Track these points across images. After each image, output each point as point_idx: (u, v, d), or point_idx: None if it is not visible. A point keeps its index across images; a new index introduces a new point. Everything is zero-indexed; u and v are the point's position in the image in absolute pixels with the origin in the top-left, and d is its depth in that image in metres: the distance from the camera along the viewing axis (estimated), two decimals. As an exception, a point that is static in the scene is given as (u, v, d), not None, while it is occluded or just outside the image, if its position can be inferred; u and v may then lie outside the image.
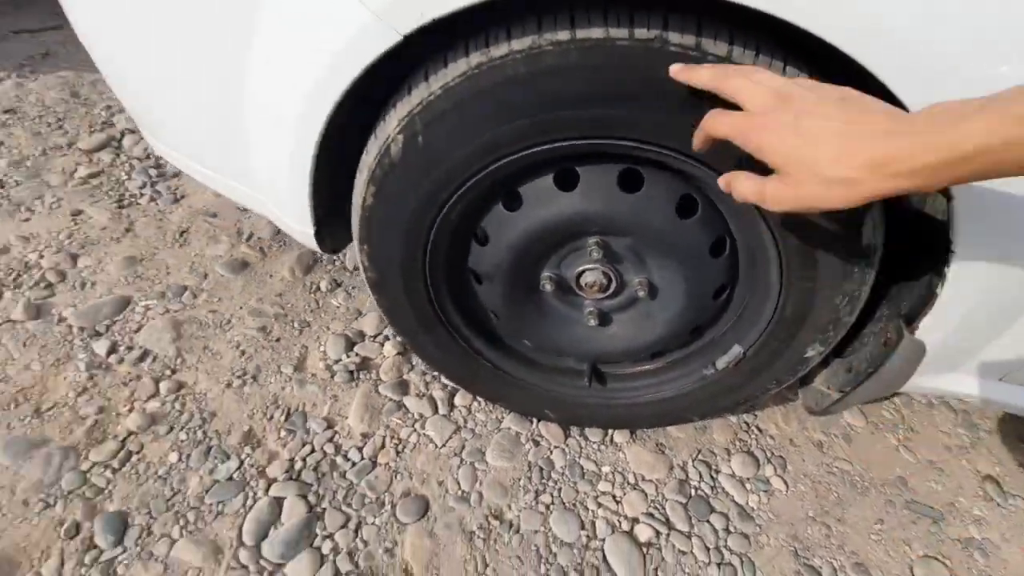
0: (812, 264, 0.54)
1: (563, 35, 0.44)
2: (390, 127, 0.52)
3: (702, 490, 0.79)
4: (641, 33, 0.43)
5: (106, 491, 0.67)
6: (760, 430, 0.89)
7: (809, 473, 0.84)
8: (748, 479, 0.81)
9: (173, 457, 0.71)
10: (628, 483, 0.78)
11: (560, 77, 0.45)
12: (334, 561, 0.65)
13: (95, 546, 0.63)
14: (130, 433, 0.72)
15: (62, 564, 0.61)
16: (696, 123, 0.41)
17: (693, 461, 0.82)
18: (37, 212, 0.99)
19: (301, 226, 0.65)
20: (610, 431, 0.84)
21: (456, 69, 0.47)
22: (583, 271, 0.64)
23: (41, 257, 0.91)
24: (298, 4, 0.47)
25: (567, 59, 0.44)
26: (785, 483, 0.82)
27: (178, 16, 0.55)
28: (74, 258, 0.92)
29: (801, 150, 0.32)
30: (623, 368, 0.76)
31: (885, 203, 0.52)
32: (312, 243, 0.67)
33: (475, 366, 0.74)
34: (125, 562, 0.62)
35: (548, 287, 0.65)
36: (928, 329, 0.57)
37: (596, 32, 0.44)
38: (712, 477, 0.81)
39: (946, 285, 0.52)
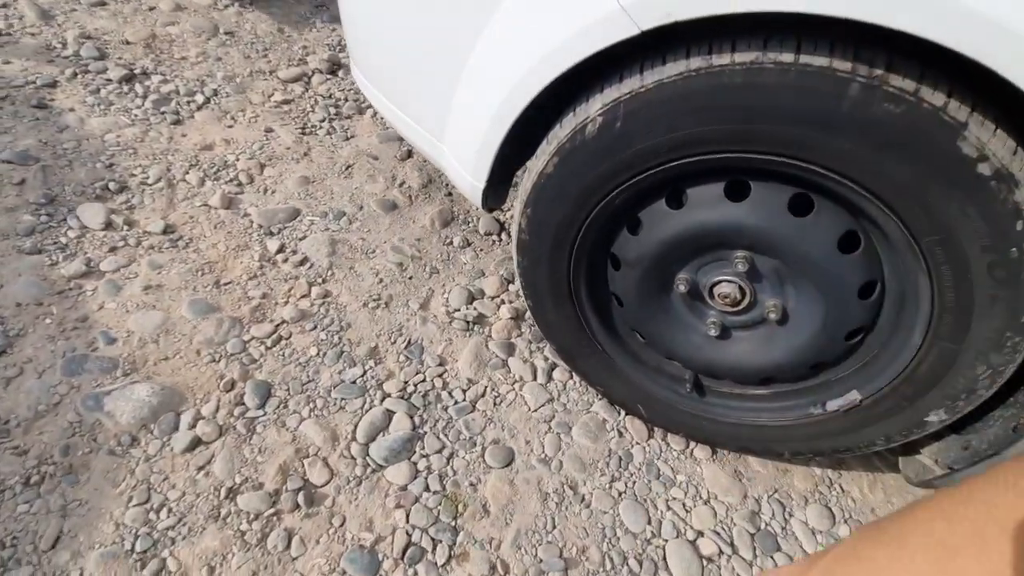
0: (965, 327, 0.55)
1: (787, 57, 0.48)
2: (592, 108, 0.58)
3: (772, 527, 0.79)
4: (863, 70, 0.46)
5: (259, 362, 0.78)
6: (843, 489, 0.87)
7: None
8: (821, 532, 0.81)
9: (313, 351, 0.81)
10: (700, 497, 0.80)
11: (773, 94, 0.49)
12: (426, 478, 0.72)
13: (243, 403, 0.74)
14: (283, 321, 0.83)
15: (217, 410, 0.72)
16: (888, 166, 0.44)
17: (769, 497, 0.83)
18: (239, 122, 1.15)
19: (475, 180, 0.73)
20: (692, 443, 0.86)
21: (674, 68, 0.52)
22: (720, 281, 0.67)
23: (237, 160, 1.06)
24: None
25: (785, 79, 0.48)
26: (858, 548, 0.80)
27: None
28: (262, 167, 1.06)
29: None
30: (726, 386, 0.78)
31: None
32: (477, 197, 0.75)
33: (585, 345, 0.80)
34: (264, 423, 0.72)
35: (681, 288, 0.69)
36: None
37: (820, 60, 0.47)
38: (785, 518, 0.81)
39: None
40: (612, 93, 0.57)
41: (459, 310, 0.93)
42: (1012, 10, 0.38)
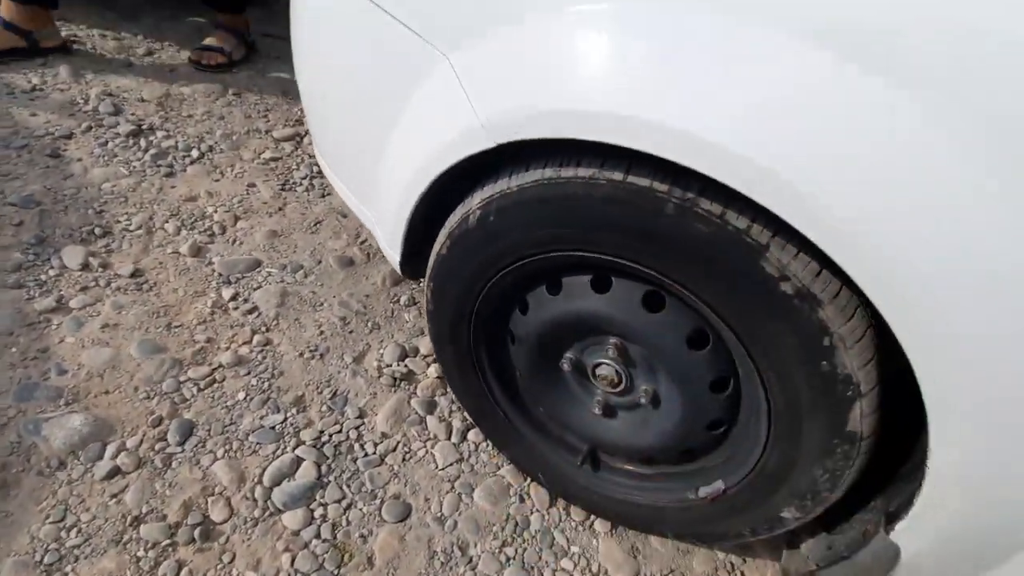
0: (797, 431, 0.58)
1: (618, 175, 0.55)
2: (474, 202, 0.65)
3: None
4: (677, 192, 0.52)
5: (188, 402, 0.85)
6: (741, 573, 0.88)
7: (779, 640, 0.82)
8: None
9: (241, 395, 0.88)
10: (590, 570, 0.82)
11: (608, 205, 0.55)
12: (319, 526, 0.77)
13: (165, 439, 0.81)
14: (220, 365, 0.91)
15: (140, 444, 0.79)
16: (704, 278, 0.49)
17: (662, 577, 0.84)
18: (226, 176, 1.28)
19: (392, 252, 0.81)
20: (592, 516, 0.88)
21: (532, 176, 0.60)
22: (599, 363, 0.72)
23: (215, 211, 1.18)
24: (433, 102, 0.63)
25: (616, 193, 0.54)
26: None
27: (363, 87, 0.74)
28: (236, 219, 1.17)
29: None
30: (617, 461, 0.81)
31: (880, 398, 0.54)
32: (397, 267, 0.83)
33: (490, 410, 0.84)
34: (180, 459, 0.79)
35: (567, 367, 0.74)
36: (905, 535, 0.57)
37: (643, 181, 0.53)
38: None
39: (921, 496, 0.53)
40: (489, 191, 0.64)
41: (390, 366, 0.99)
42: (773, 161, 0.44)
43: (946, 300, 0.42)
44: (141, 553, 0.70)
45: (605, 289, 0.66)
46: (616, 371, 0.71)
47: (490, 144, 0.58)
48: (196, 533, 0.72)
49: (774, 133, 0.44)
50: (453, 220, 0.69)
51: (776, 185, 0.45)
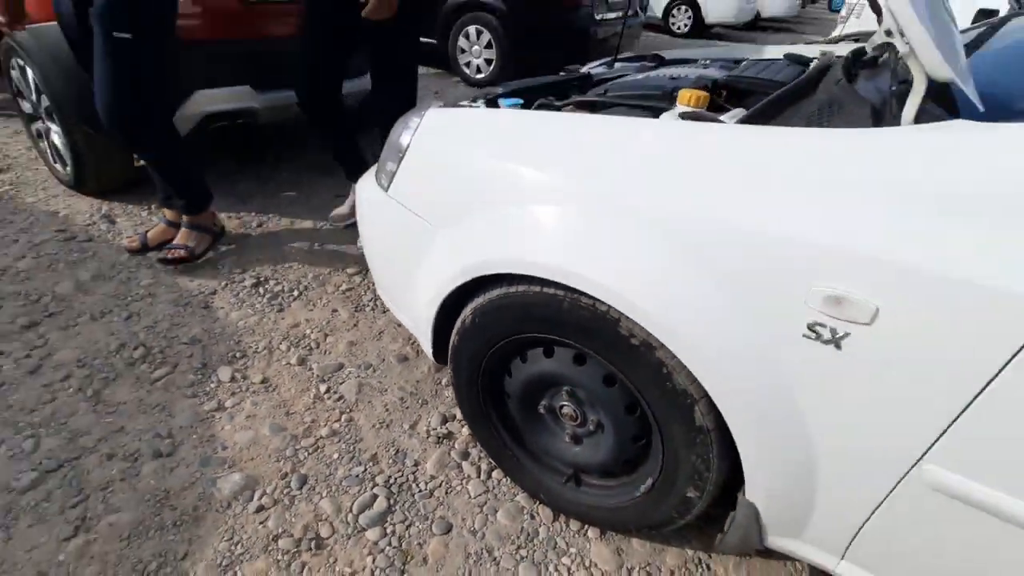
0: (670, 431, 0.91)
1: (536, 289, 0.95)
2: (466, 311, 1.07)
3: (637, 588, 1.09)
4: (568, 296, 0.91)
5: (302, 462, 1.27)
6: (708, 568, 1.14)
7: (737, 613, 1.06)
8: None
9: (335, 455, 1.30)
10: (584, 565, 1.12)
11: (534, 306, 0.95)
12: (390, 538, 1.13)
13: (289, 486, 1.22)
14: (321, 436, 1.34)
15: (275, 489, 1.21)
16: (592, 343, 0.88)
17: (640, 568, 1.12)
18: (317, 306, 1.79)
19: (427, 346, 1.23)
20: (587, 525, 1.19)
21: (494, 294, 1.01)
22: (562, 405, 1.08)
23: (311, 332, 1.67)
24: (436, 256, 1.07)
25: (537, 299, 0.94)
26: (710, 607, 1.06)
27: (397, 248, 1.21)
28: (325, 336, 1.66)
29: None
30: (590, 478, 1.14)
31: (710, 403, 0.87)
32: (431, 356, 1.24)
33: (502, 451, 1.20)
34: (299, 498, 1.19)
35: (543, 411, 1.11)
36: (753, 496, 0.87)
37: (550, 290, 0.93)
38: (650, 582, 1.10)
39: (746, 473, 0.84)
40: (474, 304, 1.06)
41: (436, 429, 1.38)
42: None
43: (717, 349, 0.77)
44: (280, 558, 1.09)
45: (551, 356, 1.03)
46: (573, 410, 1.06)
47: (468, 279, 1.00)
48: (312, 544, 1.11)
49: (609, 267, 0.83)
50: (458, 323, 1.11)
51: (613, 291, 0.83)
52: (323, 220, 2.31)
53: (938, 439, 0.66)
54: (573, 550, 1.15)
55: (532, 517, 1.20)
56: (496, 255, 0.95)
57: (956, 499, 0.68)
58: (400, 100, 1.97)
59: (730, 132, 0.79)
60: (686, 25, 8.88)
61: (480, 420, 1.20)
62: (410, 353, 1.62)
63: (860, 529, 0.81)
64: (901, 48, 0.63)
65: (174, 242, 1.91)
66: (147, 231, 2.00)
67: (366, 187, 1.28)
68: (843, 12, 4.78)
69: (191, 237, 1.92)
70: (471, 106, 1.20)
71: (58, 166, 2.34)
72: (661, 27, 8.93)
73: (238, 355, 1.57)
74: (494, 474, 1.29)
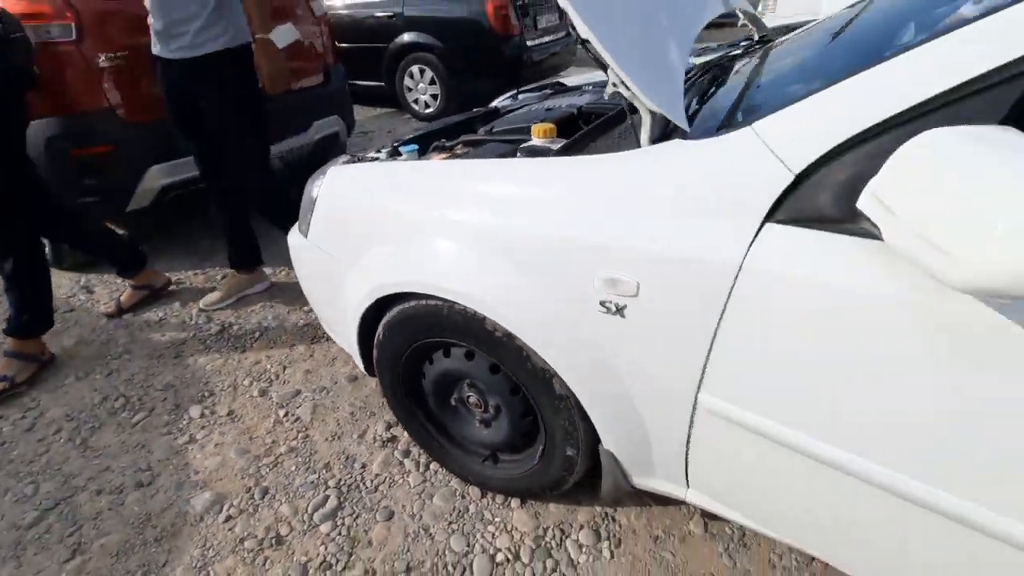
0: (539, 401, 1.12)
1: (423, 302, 1.16)
2: (380, 328, 1.28)
3: (550, 543, 1.29)
4: (446, 304, 1.13)
5: (265, 477, 1.47)
6: (614, 519, 1.34)
7: (635, 554, 1.26)
8: (586, 546, 1.28)
9: (293, 468, 1.50)
10: (506, 530, 1.32)
11: (423, 316, 1.17)
12: (340, 529, 1.33)
13: (253, 498, 1.42)
14: (281, 453, 1.54)
15: (241, 502, 1.41)
16: (469, 336, 1.10)
17: (555, 526, 1.32)
18: (276, 343, 2.00)
19: (359, 363, 1.44)
20: (509, 497, 1.39)
21: (396, 309, 1.22)
22: (468, 396, 1.29)
23: (271, 365, 1.88)
24: (351, 285, 1.29)
25: (426, 309, 1.16)
26: (612, 555, 1.26)
27: (323, 283, 1.42)
28: (284, 368, 1.87)
29: None
30: (505, 455, 1.34)
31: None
32: (363, 369, 1.45)
33: (430, 443, 1.41)
34: (262, 507, 1.39)
35: (455, 403, 1.32)
36: (609, 445, 1.08)
37: (434, 303, 1.15)
38: (561, 539, 1.30)
39: (595, 422, 1.05)
40: (386, 318, 1.27)
41: (381, 435, 1.59)
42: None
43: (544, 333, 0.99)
44: (246, 556, 1.28)
45: (449, 356, 1.25)
46: (477, 398, 1.28)
47: (372, 300, 1.22)
48: (273, 542, 1.31)
49: (464, 278, 1.05)
50: (375, 339, 1.32)
51: (471, 297, 1.05)
52: (281, 267, 2.53)
53: (704, 372, 0.88)
54: (498, 519, 1.35)
55: (463, 497, 1.41)
56: (388, 279, 1.17)
57: (730, 422, 0.89)
58: (254, 194, 2.02)
59: (539, 163, 1.02)
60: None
61: (409, 419, 1.41)
62: (359, 373, 1.83)
63: (687, 459, 1.02)
64: (624, 92, 0.85)
65: None
66: (120, 295, 2.21)
67: (293, 236, 1.51)
68: (759, 7, 5.10)
69: (11, 365, 1.81)
70: (376, 157, 1.43)
71: (37, 247, 2.56)
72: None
73: (207, 394, 1.78)
74: (432, 466, 1.49)
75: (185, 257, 2.61)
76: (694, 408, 0.93)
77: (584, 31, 0.80)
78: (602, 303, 0.91)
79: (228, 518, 1.37)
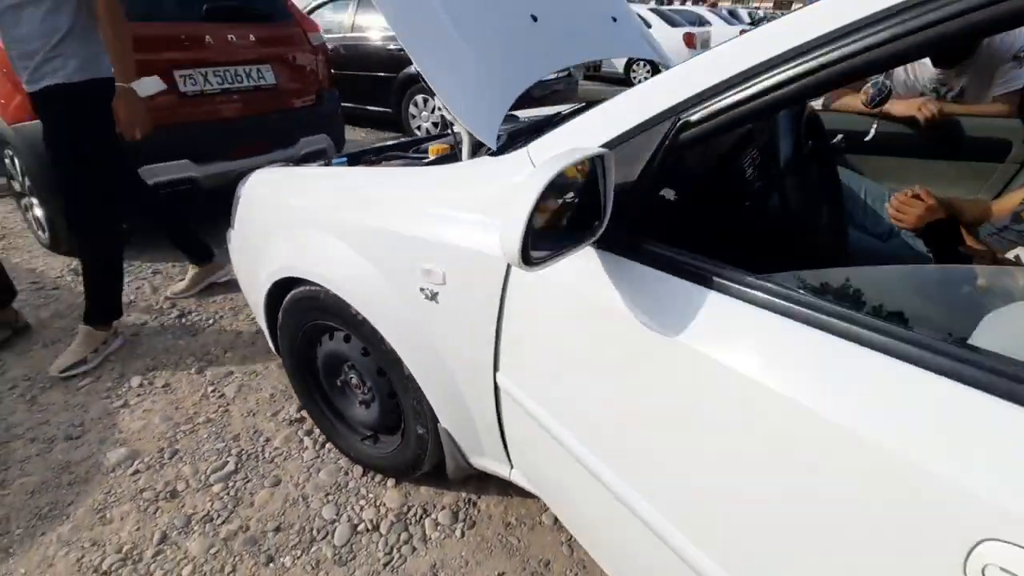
0: (393, 379, 1.26)
1: (310, 288, 1.34)
2: (280, 312, 1.46)
3: (410, 520, 1.41)
4: (321, 290, 1.30)
5: (179, 440, 1.64)
6: (475, 504, 1.46)
7: (484, 536, 1.38)
8: (441, 525, 1.40)
9: (205, 435, 1.66)
10: (375, 505, 1.45)
11: (307, 300, 1.34)
12: (231, 488, 1.48)
13: (163, 456, 1.59)
14: (199, 423, 1.71)
15: (154, 460, 1.58)
16: (339, 319, 1.26)
17: (418, 506, 1.44)
18: (226, 330, 2.19)
19: (271, 344, 1.61)
20: (386, 477, 1.52)
21: (290, 294, 1.40)
22: (351, 377, 1.44)
23: (215, 348, 2.07)
24: (262, 263, 1.47)
25: (309, 294, 1.33)
26: (463, 534, 1.38)
27: (248, 260, 1.62)
28: (225, 352, 2.06)
29: None
30: (384, 435, 1.48)
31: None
32: (271, 345, 1.63)
33: (322, 420, 1.56)
34: (169, 465, 1.56)
35: (340, 384, 1.47)
36: (444, 422, 1.21)
37: (314, 288, 1.32)
38: (422, 517, 1.42)
39: (430, 400, 1.19)
40: (285, 300, 1.44)
41: (292, 415, 1.75)
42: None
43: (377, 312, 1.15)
44: (141, 503, 1.44)
45: (332, 339, 1.41)
46: (358, 380, 1.43)
47: (270, 284, 1.40)
48: (168, 495, 1.46)
49: (328, 266, 1.23)
50: (278, 321, 1.49)
51: (332, 281, 1.22)
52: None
53: (496, 354, 1.02)
54: (371, 495, 1.48)
55: (347, 474, 1.54)
56: (278, 266, 1.36)
57: (516, 402, 1.02)
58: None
59: (391, 171, 1.20)
60: (646, 79, 9.55)
61: (307, 398, 1.57)
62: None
63: (504, 439, 1.15)
64: (447, 116, 1.03)
65: None
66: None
67: (231, 232, 1.71)
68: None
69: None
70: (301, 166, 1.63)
71: (40, 232, 2.85)
72: (623, 80, 9.63)
73: (150, 368, 1.97)
74: (328, 446, 1.64)
75: (169, 250, 2.86)
76: (496, 388, 1.06)
77: (417, 67, 0.99)
78: (421, 289, 1.07)
79: (136, 472, 1.53)
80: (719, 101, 0.65)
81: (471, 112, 1.03)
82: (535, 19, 1.32)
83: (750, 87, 0.62)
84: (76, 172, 1.84)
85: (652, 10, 9.92)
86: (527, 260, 0.66)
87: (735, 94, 0.64)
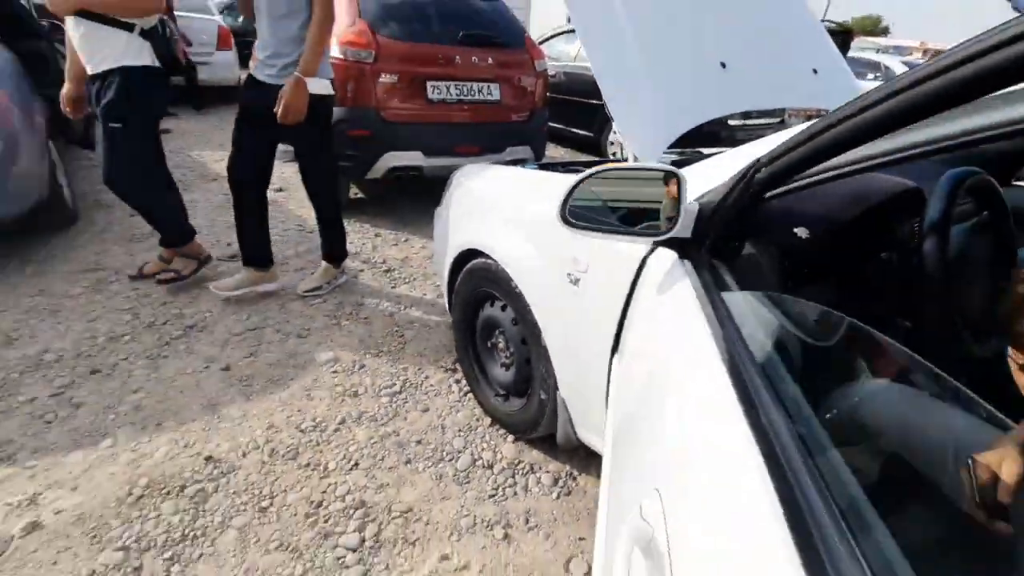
0: (532, 351, 1.52)
1: (480, 260, 1.67)
2: (460, 275, 1.82)
3: (520, 471, 1.66)
4: (493, 264, 1.62)
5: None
6: (574, 478, 1.65)
7: (574, 504, 1.57)
8: (542, 484, 1.62)
9: (385, 361, 2.12)
10: (492, 449, 1.73)
11: (481, 271, 1.68)
12: (395, 403, 1.89)
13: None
14: (382, 352, 2.18)
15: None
16: (502, 290, 1.58)
17: (527, 463, 1.69)
18: (414, 285, 2.71)
19: (445, 301, 2.00)
20: (509, 433, 1.79)
21: (470, 263, 1.75)
22: (498, 341, 1.75)
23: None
24: (455, 235, 1.86)
25: (485, 265, 1.67)
26: (558, 497, 1.58)
27: (443, 230, 2.04)
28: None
29: None
30: (513, 397, 1.75)
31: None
32: (447, 305, 2.02)
33: (470, 373, 1.89)
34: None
35: (489, 345, 1.79)
36: (562, 391, 1.43)
37: (489, 261, 1.65)
38: (527, 472, 1.66)
39: (556, 370, 1.41)
40: (466, 268, 1.80)
41: (448, 365, 2.13)
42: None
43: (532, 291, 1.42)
44: (335, 393, 1.92)
45: (492, 305, 1.72)
46: (504, 344, 1.72)
47: (457, 252, 1.77)
48: (353, 393, 1.93)
49: (499, 244, 1.54)
50: (457, 282, 1.86)
51: (499, 256, 1.53)
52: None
53: (616, 339, 1.21)
54: (493, 442, 1.77)
55: (478, 420, 1.86)
56: (467, 239, 1.72)
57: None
58: (320, 212, 2.50)
59: (559, 175, 1.46)
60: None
61: (462, 351, 1.93)
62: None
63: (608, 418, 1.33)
64: (619, 136, 1.25)
65: (170, 267, 2.54)
66: (145, 263, 2.67)
67: (439, 209, 2.16)
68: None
69: (179, 263, 2.55)
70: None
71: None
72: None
73: (360, 303, 2.54)
74: (469, 395, 1.97)
75: (389, 216, 3.54)
76: (609, 370, 1.26)
77: (600, 87, 1.25)
78: (568, 274, 1.31)
79: (335, 371, 2.04)
80: (789, 153, 0.69)
81: (637, 135, 1.25)
82: (724, 66, 1.48)
83: (813, 145, 0.64)
84: (331, 156, 2.44)
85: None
86: (564, 216, 0.93)
87: (798, 147, 0.67)
